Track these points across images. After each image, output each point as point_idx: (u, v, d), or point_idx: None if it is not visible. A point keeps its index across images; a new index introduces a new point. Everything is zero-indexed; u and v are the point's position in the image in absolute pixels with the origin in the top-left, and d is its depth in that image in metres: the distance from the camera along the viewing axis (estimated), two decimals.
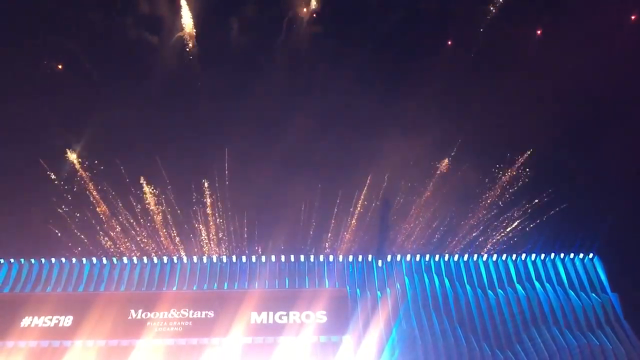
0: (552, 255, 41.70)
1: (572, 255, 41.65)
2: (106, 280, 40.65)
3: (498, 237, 43.03)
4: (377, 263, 41.66)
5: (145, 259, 41.63)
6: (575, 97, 45.97)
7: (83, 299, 39.02)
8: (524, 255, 41.76)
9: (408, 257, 41.85)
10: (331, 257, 41.89)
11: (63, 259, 41.48)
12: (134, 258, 41.72)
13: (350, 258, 41.88)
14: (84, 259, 41.61)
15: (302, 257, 41.82)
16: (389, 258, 41.81)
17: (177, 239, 47.98)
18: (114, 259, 41.72)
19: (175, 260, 41.71)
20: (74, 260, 41.51)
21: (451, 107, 50.47)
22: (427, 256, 41.94)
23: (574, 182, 44.39)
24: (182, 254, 45.80)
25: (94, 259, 41.67)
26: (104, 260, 41.60)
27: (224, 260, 41.75)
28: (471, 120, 48.42)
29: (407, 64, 50.74)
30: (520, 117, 46.62)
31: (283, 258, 41.75)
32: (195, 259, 41.73)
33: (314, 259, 41.82)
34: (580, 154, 44.97)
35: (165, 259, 41.74)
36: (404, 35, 51.98)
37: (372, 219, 44.49)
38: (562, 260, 41.66)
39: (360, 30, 52.65)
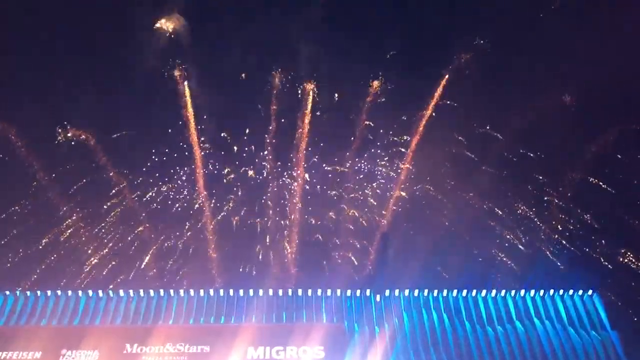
0: (552, 292, 41.47)
1: (571, 292, 41.43)
2: (102, 313, 40.30)
3: (498, 274, 42.77)
4: (375, 298, 41.37)
5: (141, 292, 41.30)
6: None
7: (78, 332, 38.62)
8: (523, 292, 41.53)
9: (406, 292, 41.53)
10: (329, 292, 41.60)
11: (58, 292, 41.18)
12: (130, 291, 41.40)
13: (348, 292, 41.58)
14: (79, 292, 41.29)
15: (299, 291, 41.50)
16: (387, 293, 41.52)
17: (175, 271, 47.81)
18: (110, 292, 41.39)
19: (172, 294, 41.37)
20: (69, 292, 41.18)
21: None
22: (426, 291, 41.63)
23: (574, 220, 44.30)
24: (179, 287, 45.38)
25: (90, 292, 41.35)
26: (100, 293, 41.27)
27: (221, 293, 41.42)
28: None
29: None
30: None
31: (280, 292, 41.46)
32: (192, 292, 41.38)
33: (312, 293, 41.48)
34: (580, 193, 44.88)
35: (161, 291, 41.39)
36: None
37: (371, 253, 44.21)
38: (562, 298, 41.40)
39: None
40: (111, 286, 45.88)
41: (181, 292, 41.54)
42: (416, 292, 41.62)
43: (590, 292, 41.41)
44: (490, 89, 47.15)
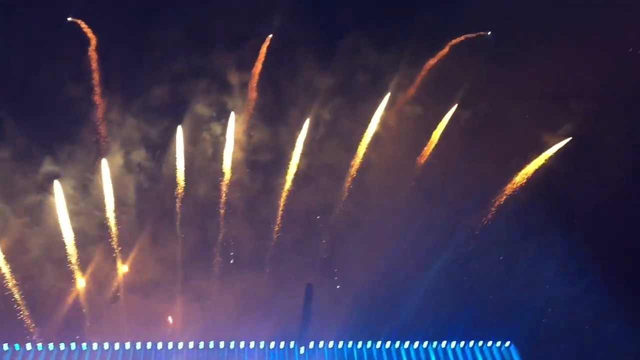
0: (471, 343, 42.43)
1: (489, 343, 42.56)
2: None
3: (418, 324, 43.18)
4: (299, 350, 40.66)
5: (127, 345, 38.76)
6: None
7: None
8: (444, 343, 42.22)
9: (330, 343, 41.18)
10: (252, 344, 40.50)
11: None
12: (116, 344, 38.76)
13: (272, 344, 40.66)
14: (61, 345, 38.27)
15: (221, 344, 40.16)
16: (311, 345, 40.97)
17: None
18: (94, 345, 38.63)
19: (84, 347, 38.90)
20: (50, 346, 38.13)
21: None
22: (350, 343, 41.48)
23: (493, 272, 45.71)
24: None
25: (73, 345, 38.45)
26: (84, 346, 38.37)
27: (137, 347, 39.33)
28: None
29: None
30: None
31: (202, 345, 39.91)
32: (105, 345, 39.03)
33: (234, 345, 40.24)
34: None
35: (73, 345, 38.85)
36: None
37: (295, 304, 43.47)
38: (480, 348, 42.40)
39: None
40: None
41: (94, 345, 39.13)
42: (340, 343, 41.31)
43: (507, 343, 42.71)
44: None
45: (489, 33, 49.65)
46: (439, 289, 44.49)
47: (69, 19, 46.10)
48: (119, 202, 48.61)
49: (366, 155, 50.31)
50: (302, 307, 42.15)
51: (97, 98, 47.68)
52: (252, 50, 49.12)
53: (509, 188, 47.32)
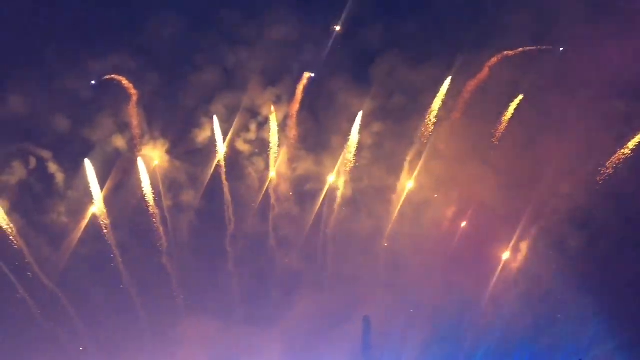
0: None
1: None
2: None
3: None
4: None
5: None
6: None
7: None
8: None
9: None
10: None
11: None
12: None
13: None
14: None
15: None
16: None
17: None
18: None
19: None
20: None
21: None
22: None
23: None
24: None
25: None
26: None
27: None
28: None
29: None
30: None
31: None
32: None
33: None
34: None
35: None
36: None
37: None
38: None
39: None
40: None
41: None
42: None
43: None
44: None
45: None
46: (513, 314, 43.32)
47: (107, 76, 47.08)
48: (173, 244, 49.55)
49: (414, 176, 49.65)
50: (361, 339, 41.55)
51: (141, 147, 48.69)
52: (288, 85, 49.12)
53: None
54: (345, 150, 49.41)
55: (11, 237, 45.73)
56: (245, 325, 48.61)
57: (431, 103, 48.55)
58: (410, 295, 47.40)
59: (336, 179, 49.81)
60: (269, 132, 49.53)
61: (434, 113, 48.66)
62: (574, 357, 43.17)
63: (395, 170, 49.68)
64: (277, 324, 48.39)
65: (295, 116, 49.63)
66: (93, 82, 47.24)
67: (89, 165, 47.01)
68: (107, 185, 47.86)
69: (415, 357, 45.54)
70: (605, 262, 43.93)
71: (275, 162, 49.98)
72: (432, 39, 47.45)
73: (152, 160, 48.69)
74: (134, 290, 48.56)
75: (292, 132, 49.90)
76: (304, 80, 48.87)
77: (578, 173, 45.33)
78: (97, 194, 47.52)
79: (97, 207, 47.59)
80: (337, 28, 48.95)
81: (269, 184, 50.12)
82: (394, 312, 46.81)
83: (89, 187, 47.39)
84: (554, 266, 45.42)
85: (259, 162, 50.43)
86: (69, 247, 47.63)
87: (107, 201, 48.18)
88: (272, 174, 50.06)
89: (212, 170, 49.86)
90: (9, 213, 45.78)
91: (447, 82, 47.82)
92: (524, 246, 45.95)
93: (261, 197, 50.21)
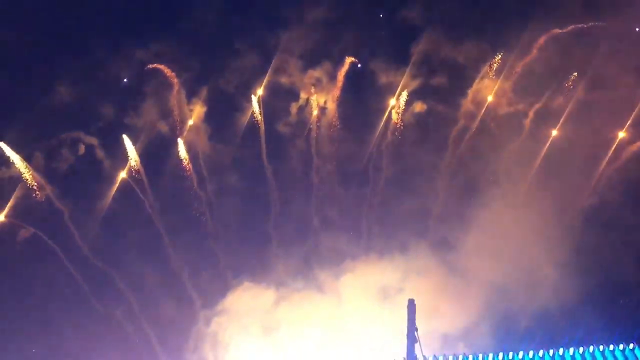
0: (591, 348, 39.98)
1: (611, 347, 39.88)
2: None
3: (534, 331, 41.39)
4: None
5: None
6: None
7: None
8: (561, 350, 40.02)
9: (441, 358, 40.25)
10: None
11: None
12: None
13: None
14: None
15: None
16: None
17: None
18: None
19: None
20: None
21: None
22: (461, 357, 40.33)
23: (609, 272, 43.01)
24: None
25: None
26: None
27: None
28: None
29: None
30: None
31: None
32: None
33: None
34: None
35: None
36: None
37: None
38: (602, 353, 39.85)
39: None
40: None
41: None
42: (450, 357, 40.29)
43: (631, 345, 39.88)
44: None
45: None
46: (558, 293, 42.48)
47: (150, 65, 47.62)
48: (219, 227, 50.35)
49: (457, 154, 48.96)
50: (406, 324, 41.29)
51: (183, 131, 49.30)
52: (328, 68, 48.81)
53: None
54: (387, 130, 49.03)
55: (63, 221, 47.21)
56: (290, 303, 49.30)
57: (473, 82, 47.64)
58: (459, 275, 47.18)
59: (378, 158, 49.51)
60: (311, 114, 49.45)
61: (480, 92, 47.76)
62: None
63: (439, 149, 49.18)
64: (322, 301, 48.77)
65: (336, 100, 49.38)
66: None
67: (127, 141, 47.87)
68: (151, 169, 48.76)
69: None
70: None
71: (316, 142, 49.97)
72: (474, 16, 46.28)
73: (195, 144, 49.34)
74: (183, 271, 49.71)
75: (333, 114, 49.69)
76: (346, 66, 48.50)
77: None
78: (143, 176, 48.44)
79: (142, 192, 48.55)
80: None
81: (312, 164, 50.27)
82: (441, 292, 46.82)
83: (135, 169, 48.27)
84: None
85: (301, 144, 50.53)
86: (118, 231, 48.92)
87: (153, 184, 49.19)
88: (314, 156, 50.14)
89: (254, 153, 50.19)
90: (59, 198, 47.15)
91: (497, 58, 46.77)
92: None
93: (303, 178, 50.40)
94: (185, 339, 49.15)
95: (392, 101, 48.99)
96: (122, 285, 48.32)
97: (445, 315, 45.54)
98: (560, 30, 45.71)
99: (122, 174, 48.03)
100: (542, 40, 46.02)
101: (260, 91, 49.30)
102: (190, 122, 49.22)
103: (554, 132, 47.88)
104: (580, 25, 45.15)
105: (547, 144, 47.78)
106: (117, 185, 48.18)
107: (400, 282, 47.84)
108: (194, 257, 50.27)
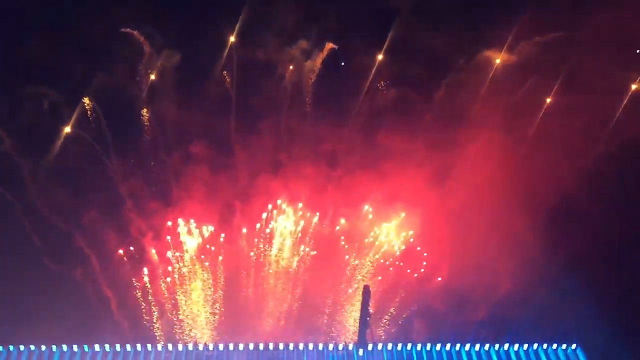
0: (535, 345, 41.20)
1: (554, 346, 41.18)
2: None
3: (481, 327, 42.33)
4: (357, 352, 40.70)
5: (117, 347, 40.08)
6: None
7: None
8: (506, 346, 41.14)
9: (389, 345, 40.92)
10: (310, 346, 40.82)
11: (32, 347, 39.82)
12: (106, 345, 40.14)
13: (331, 347, 40.82)
14: (53, 346, 39.84)
15: (280, 346, 40.63)
16: (369, 347, 40.84)
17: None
18: (85, 347, 40.02)
19: (150, 348, 40.27)
20: (43, 347, 39.72)
21: None
22: (409, 345, 41.08)
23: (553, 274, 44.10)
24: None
25: (64, 346, 39.94)
26: (75, 348, 39.90)
27: (200, 348, 40.42)
28: None
29: None
30: None
31: (261, 346, 40.58)
32: (170, 346, 40.31)
33: (293, 347, 40.66)
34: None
35: (138, 346, 40.25)
36: None
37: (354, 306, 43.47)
38: (545, 351, 41.13)
39: None
40: None
41: (159, 346, 40.41)
42: (399, 346, 41.03)
43: (573, 345, 41.24)
44: None
45: None
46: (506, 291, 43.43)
47: (123, 29, 46.57)
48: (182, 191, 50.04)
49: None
50: (361, 309, 41.87)
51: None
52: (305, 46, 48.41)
53: None
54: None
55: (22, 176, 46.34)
56: None
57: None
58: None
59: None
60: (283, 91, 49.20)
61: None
62: None
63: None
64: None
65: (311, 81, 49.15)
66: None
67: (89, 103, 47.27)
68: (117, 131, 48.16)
69: None
70: None
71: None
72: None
73: (163, 110, 48.87)
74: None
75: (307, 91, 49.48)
76: (325, 51, 48.19)
77: None
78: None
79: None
80: None
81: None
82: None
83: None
84: None
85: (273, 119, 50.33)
86: (79, 191, 48.24)
87: (117, 147, 48.68)
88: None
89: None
90: (20, 153, 46.17)
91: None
92: None
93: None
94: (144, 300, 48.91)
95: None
96: (81, 245, 47.74)
97: (400, 304, 46.30)
98: (539, 38, 46.16)
99: (67, 129, 47.03)
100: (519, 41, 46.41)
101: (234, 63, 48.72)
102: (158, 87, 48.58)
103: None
104: (558, 34, 45.63)
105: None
106: (75, 143, 47.34)
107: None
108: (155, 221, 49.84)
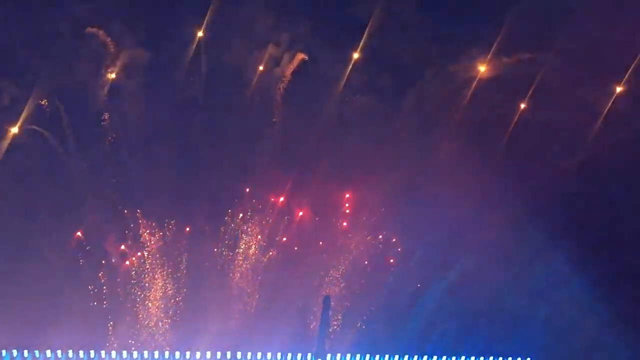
0: (491, 359, 41.94)
1: (510, 359, 42.00)
2: None
3: (434, 338, 42.80)
4: None
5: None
6: None
7: None
8: (463, 358, 41.81)
9: (348, 356, 41.20)
10: (269, 355, 40.88)
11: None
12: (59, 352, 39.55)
13: (289, 356, 40.93)
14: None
15: (238, 354, 40.60)
16: (328, 357, 41.05)
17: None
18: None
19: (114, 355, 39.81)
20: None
21: None
22: (367, 356, 41.43)
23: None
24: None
25: (37, 352, 39.20)
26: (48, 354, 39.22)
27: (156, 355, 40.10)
28: None
29: None
30: None
31: (219, 355, 40.47)
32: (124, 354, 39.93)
33: (251, 356, 40.66)
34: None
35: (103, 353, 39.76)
36: None
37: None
38: None
39: None
40: None
41: (113, 353, 39.95)
42: (357, 356, 41.34)
43: (528, 359, 42.11)
44: None
45: None
46: (456, 302, 43.77)
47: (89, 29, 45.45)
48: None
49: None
50: (319, 319, 41.99)
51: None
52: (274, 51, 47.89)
53: None
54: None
55: None
56: None
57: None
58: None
59: None
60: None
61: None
62: None
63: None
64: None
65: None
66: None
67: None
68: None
69: None
70: None
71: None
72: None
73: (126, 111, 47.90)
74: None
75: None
76: (296, 62, 47.73)
77: None
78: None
79: None
80: None
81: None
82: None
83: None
84: None
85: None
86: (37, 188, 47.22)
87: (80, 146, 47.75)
88: None
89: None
90: None
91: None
92: None
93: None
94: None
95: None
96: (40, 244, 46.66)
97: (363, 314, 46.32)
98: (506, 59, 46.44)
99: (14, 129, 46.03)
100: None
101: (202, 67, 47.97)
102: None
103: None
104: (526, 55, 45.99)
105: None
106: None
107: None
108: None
